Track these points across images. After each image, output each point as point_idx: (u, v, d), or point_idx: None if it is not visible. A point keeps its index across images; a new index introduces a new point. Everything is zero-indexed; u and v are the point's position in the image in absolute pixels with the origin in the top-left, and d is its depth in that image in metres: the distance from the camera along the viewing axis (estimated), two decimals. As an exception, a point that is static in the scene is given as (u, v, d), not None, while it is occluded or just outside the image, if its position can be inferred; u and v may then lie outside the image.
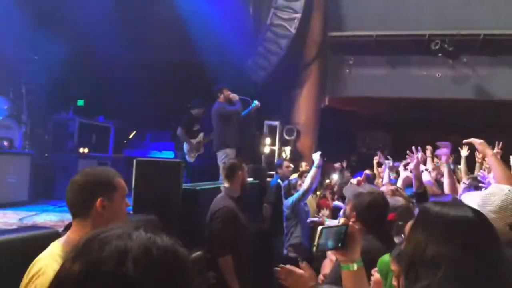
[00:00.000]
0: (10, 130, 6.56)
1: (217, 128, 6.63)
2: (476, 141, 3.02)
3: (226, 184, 4.02)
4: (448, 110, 11.80)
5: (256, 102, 6.92)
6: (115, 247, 0.73)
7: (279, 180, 6.36)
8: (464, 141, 3.14)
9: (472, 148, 5.36)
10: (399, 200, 3.40)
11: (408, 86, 10.42)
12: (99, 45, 7.88)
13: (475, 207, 2.11)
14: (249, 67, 9.99)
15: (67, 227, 1.92)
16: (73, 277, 0.72)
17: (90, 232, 0.80)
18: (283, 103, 10.47)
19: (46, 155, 7.29)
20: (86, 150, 7.29)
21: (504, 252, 1.23)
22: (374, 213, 2.51)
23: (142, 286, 0.71)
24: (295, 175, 6.07)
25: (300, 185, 5.39)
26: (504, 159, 3.38)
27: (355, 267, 1.59)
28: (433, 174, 4.95)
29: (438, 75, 10.30)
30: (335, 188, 7.36)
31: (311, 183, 5.07)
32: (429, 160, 5.57)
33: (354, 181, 5.22)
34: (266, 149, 10.10)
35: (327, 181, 7.83)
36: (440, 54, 9.85)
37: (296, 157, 9.71)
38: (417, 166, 3.62)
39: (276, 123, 10.29)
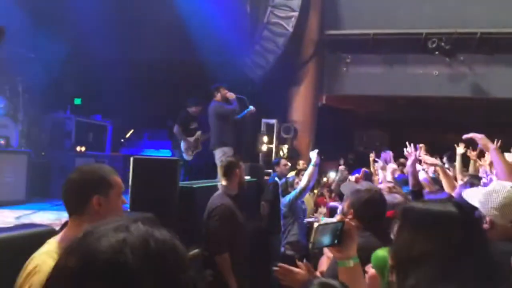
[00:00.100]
0: (7, 129, 6.54)
1: (214, 127, 6.63)
2: (477, 136, 3.01)
3: (224, 182, 4.02)
4: (445, 108, 11.83)
5: (251, 107, 6.93)
6: (112, 238, 0.73)
7: (276, 178, 6.37)
8: (464, 136, 3.12)
9: (466, 146, 5.40)
10: (397, 197, 3.40)
11: (405, 84, 10.44)
12: (96, 44, 7.86)
13: (477, 204, 2.12)
14: (247, 66, 9.99)
15: (64, 225, 1.92)
16: (69, 269, 0.71)
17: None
18: (280, 102, 10.48)
19: (42, 153, 7.27)
20: (83, 149, 7.28)
21: (490, 247, 1.22)
22: (371, 210, 2.51)
23: (141, 275, 0.70)
24: (292, 173, 6.08)
25: (297, 183, 5.40)
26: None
27: (351, 263, 1.59)
28: (431, 169, 4.95)
29: (435, 73, 10.32)
30: (333, 186, 7.38)
31: (308, 181, 5.07)
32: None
33: (352, 178, 5.24)
34: (264, 147, 10.10)
35: (325, 179, 7.85)
36: (437, 53, 9.86)
37: (294, 155, 9.72)
38: (413, 164, 3.62)
39: (274, 121, 10.30)
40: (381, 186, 3.79)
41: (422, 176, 4.04)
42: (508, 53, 9.97)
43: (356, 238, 1.66)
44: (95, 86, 8.66)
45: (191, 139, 7.48)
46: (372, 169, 6.68)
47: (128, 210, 3.51)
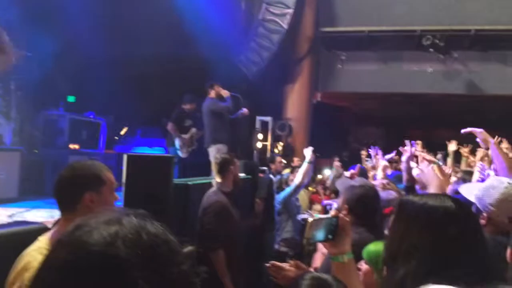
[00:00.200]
0: (0, 126, 6.50)
1: (208, 124, 6.61)
2: (477, 130, 3.00)
3: (218, 179, 4.01)
4: (440, 105, 11.87)
5: (244, 109, 6.94)
6: (104, 231, 0.71)
7: (271, 175, 6.37)
8: (463, 130, 3.10)
9: (460, 144, 5.42)
10: (392, 194, 3.42)
11: (400, 81, 10.47)
12: (90, 41, 7.80)
13: (474, 199, 2.12)
14: (242, 63, 9.98)
15: (57, 223, 1.90)
16: (60, 262, 0.69)
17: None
18: (275, 99, 10.48)
19: (35, 151, 7.22)
20: (76, 146, 7.25)
21: (486, 243, 1.22)
22: (365, 206, 2.53)
23: (133, 268, 0.68)
24: (287, 171, 6.08)
25: (292, 180, 5.40)
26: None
27: (345, 258, 1.59)
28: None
29: (430, 70, 10.34)
30: (327, 183, 7.38)
31: (303, 179, 5.08)
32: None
33: (347, 173, 5.24)
34: (259, 145, 10.10)
35: (319, 176, 7.85)
36: (431, 50, 9.89)
37: (289, 153, 9.73)
38: (408, 160, 3.63)
39: (269, 118, 10.29)
40: (376, 182, 3.80)
41: (415, 172, 4.05)
42: (502, 50, 10.02)
43: (351, 234, 1.65)
44: (88, 83, 8.60)
45: (186, 136, 7.46)
46: (364, 165, 6.70)
47: (122, 207, 3.50)
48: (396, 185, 4.03)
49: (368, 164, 5.96)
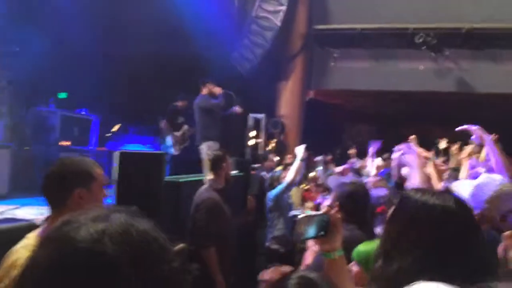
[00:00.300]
0: (-10, 123, 6.45)
1: (199, 121, 6.57)
2: (473, 127, 2.99)
3: (210, 176, 4.00)
4: (431, 103, 11.92)
5: (236, 108, 6.93)
6: (92, 228, 0.70)
7: (264, 173, 6.36)
8: (459, 128, 3.10)
9: (450, 141, 5.45)
10: (383, 191, 3.43)
11: (393, 79, 10.49)
12: (82, 37, 7.74)
13: (467, 196, 2.13)
14: (235, 59, 9.96)
15: (46, 220, 1.88)
16: (46, 258, 0.68)
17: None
18: (268, 96, 10.47)
19: (26, 148, 7.16)
20: (68, 143, 7.20)
21: (484, 244, 1.22)
22: (355, 203, 2.53)
23: (121, 266, 0.67)
24: (279, 168, 6.08)
25: (284, 177, 5.40)
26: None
27: (336, 255, 1.59)
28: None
29: (421, 68, 10.38)
30: (319, 181, 7.39)
31: (295, 176, 5.08)
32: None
33: (339, 169, 5.25)
34: (251, 142, 10.09)
35: (312, 173, 7.86)
36: (424, 47, 9.93)
37: (281, 150, 9.73)
38: (400, 157, 3.64)
39: (261, 115, 10.28)
40: (368, 179, 3.81)
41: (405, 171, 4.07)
42: (493, 48, 10.07)
43: (342, 231, 1.65)
44: (80, 80, 8.54)
45: (178, 133, 7.43)
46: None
47: (113, 204, 3.48)
48: (387, 183, 4.05)
49: (354, 165, 5.99)
